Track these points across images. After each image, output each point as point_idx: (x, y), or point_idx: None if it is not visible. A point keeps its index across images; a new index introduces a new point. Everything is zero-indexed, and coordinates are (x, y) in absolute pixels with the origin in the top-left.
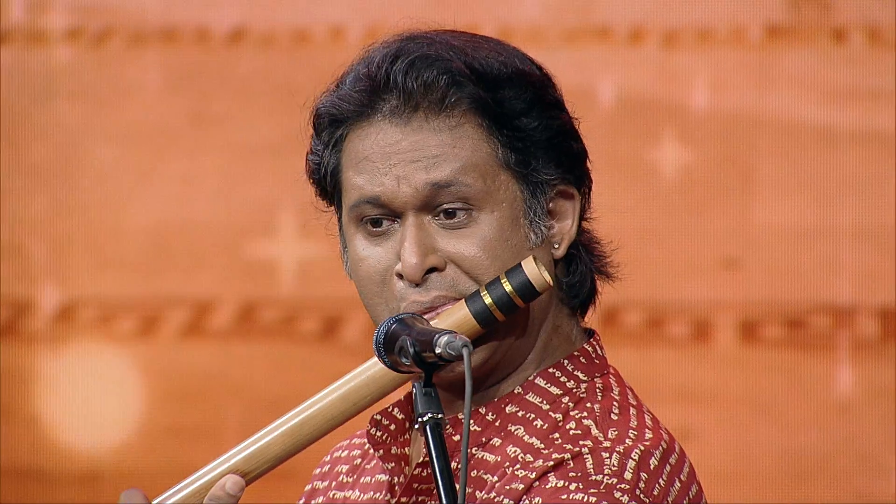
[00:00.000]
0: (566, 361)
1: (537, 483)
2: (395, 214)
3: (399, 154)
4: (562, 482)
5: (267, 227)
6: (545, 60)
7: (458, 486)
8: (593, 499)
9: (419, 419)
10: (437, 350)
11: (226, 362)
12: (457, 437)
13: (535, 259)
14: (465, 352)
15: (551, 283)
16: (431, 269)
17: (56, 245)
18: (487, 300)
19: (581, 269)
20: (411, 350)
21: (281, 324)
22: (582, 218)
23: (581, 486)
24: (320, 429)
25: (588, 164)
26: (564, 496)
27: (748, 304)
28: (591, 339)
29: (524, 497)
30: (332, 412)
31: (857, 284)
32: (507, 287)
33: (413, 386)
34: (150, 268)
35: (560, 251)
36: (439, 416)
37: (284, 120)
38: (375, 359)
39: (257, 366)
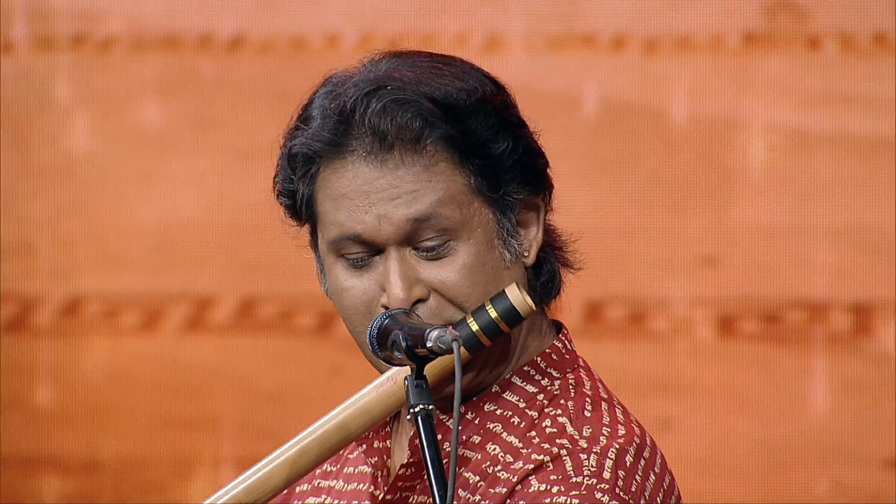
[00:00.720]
0: (539, 359)
1: (519, 487)
2: (377, 249)
3: (377, 192)
4: (543, 486)
5: (264, 227)
6: (532, 67)
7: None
8: (576, 501)
9: (411, 410)
10: (429, 344)
11: (225, 356)
12: (439, 437)
13: (517, 285)
14: (454, 346)
15: (534, 307)
16: (417, 301)
17: (61, 244)
18: (474, 327)
19: (549, 267)
20: (403, 344)
21: (278, 319)
22: (545, 220)
23: (563, 489)
24: (318, 458)
25: (549, 172)
26: (547, 499)
27: (726, 299)
28: (560, 334)
29: (507, 501)
30: (329, 442)
31: (831, 281)
32: (493, 314)
33: (405, 379)
34: (153, 265)
35: (530, 259)
36: (430, 407)
37: (282, 123)
38: (369, 387)
39: (256, 359)
